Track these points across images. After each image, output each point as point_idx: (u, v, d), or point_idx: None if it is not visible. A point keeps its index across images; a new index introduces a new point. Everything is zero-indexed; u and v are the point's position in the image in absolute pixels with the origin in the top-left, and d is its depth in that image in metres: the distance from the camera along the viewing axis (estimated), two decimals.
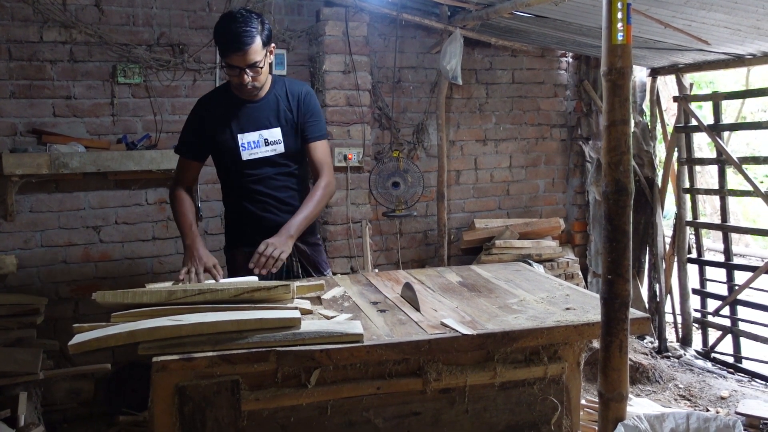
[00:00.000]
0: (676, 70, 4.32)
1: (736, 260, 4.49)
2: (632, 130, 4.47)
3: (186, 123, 2.63)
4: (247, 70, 2.39)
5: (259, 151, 2.57)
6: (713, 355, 4.31)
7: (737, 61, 3.92)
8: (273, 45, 2.51)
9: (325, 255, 2.86)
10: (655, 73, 4.49)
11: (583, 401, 2.94)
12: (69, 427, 3.43)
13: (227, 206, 2.75)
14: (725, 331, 4.29)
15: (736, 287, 4.21)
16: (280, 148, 2.57)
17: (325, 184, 2.58)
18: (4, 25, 3.33)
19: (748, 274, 4.13)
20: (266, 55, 2.44)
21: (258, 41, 2.38)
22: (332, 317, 1.99)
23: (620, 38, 1.63)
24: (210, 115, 2.56)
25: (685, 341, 4.48)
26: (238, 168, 2.58)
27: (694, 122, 4.30)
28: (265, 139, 2.56)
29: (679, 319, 4.58)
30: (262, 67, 2.43)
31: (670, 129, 4.55)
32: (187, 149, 2.62)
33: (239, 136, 2.54)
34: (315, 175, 2.62)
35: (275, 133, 2.56)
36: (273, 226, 2.50)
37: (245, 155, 2.55)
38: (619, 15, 1.61)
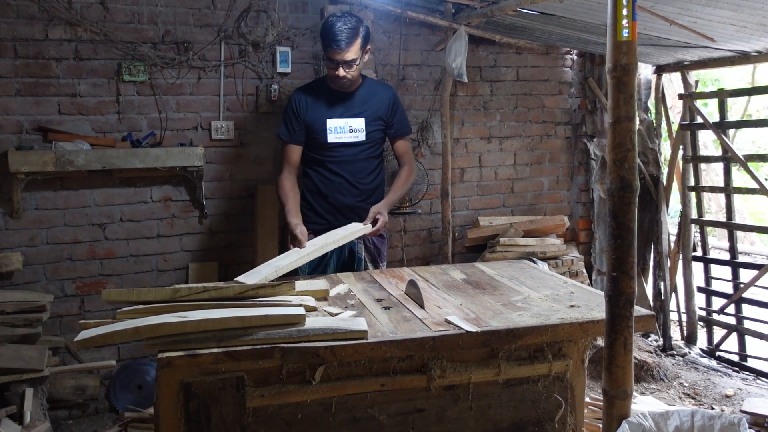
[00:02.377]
0: (682, 67, 4.31)
1: (741, 258, 4.48)
2: (637, 127, 4.48)
3: (286, 112, 3.01)
4: (343, 65, 2.81)
5: (343, 136, 2.95)
6: (718, 353, 4.29)
7: (743, 58, 3.91)
8: (370, 47, 2.96)
9: (386, 248, 3.21)
10: (660, 70, 4.47)
11: (587, 399, 2.94)
12: (74, 423, 3.45)
13: (305, 192, 3.07)
14: (730, 329, 4.27)
15: (742, 285, 4.19)
16: (362, 137, 2.97)
17: (408, 169, 3.12)
18: (10, 23, 3.34)
19: (754, 272, 4.12)
20: (362, 55, 2.89)
21: (357, 43, 2.83)
22: (337, 314, 2.00)
23: (625, 35, 1.63)
24: (306, 101, 2.97)
25: (690, 339, 4.47)
26: (323, 149, 2.96)
27: (699, 120, 4.29)
28: (350, 127, 2.95)
29: (684, 317, 4.56)
30: (357, 65, 2.88)
31: (675, 126, 4.54)
32: (293, 136, 2.98)
33: (328, 120, 2.94)
34: (401, 164, 3.16)
35: (359, 123, 2.96)
36: (339, 206, 2.99)
37: (331, 138, 2.94)
38: (624, 12, 1.61)
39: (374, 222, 2.87)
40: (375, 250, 3.10)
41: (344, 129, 2.95)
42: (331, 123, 2.94)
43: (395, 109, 3.10)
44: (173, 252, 3.77)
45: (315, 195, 3.04)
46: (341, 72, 2.85)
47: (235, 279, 2.40)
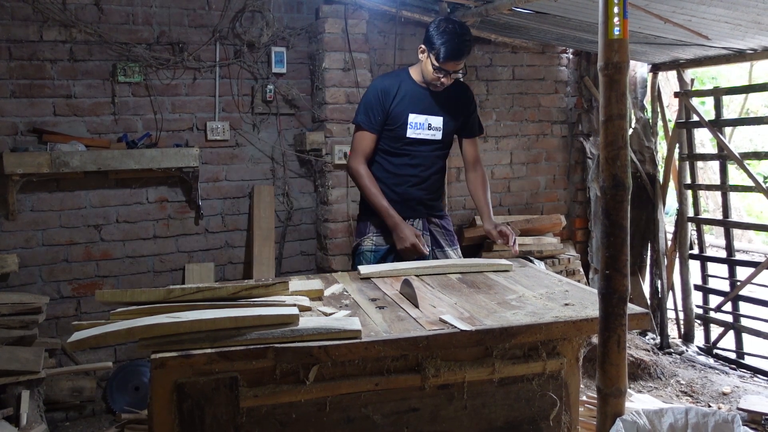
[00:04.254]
0: (677, 65, 4.31)
1: (738, 256, 4.47)
2: (633, 126, 4.49)
3: (368, 101, 2.91)
4: (453, 74, 2.81)
5: (422, 133, 2.93)
6: (715, 351, 4.30)
7: (738, 56, 3.91)
8: None
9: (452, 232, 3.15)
10: (656, 68, 4.47)
11: (584, 397, 2.93)
12: (71, 425, 3.44)
13: (378, 180, 2.95)
14: (727, 327, 4.28)
15: (738, 283, 4.20)
16: (438, 135, 2.95)
17: (483, 173, 3.11)
18: (4, 24, 3.33)
19: (751, 270, 4.12)
20: None
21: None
22: (331, 314, 1.99)
23: (617, 33, 1.62)
24: (393, 92, 2.89)
25: (687, 337, 4.48)
26: (399, 142, 2.92)
27: (695, 118, 4.29)
28: (429, 124, 2.93)
29: (681, 315, 4.57)
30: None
31: (671, 125, 4.54)
32: (373, 125, 2.89)
33: (410, 115, 2.89)
34: (473, 165, 3.09)
35: (438, 121, 2.94)
36: (408, 198, 2.93)
37: (410, 133, 2.91)
38: (615, 9, 1.60)
39: (502, 237, 2.91)
40: (444, 232, 3.05)
41: (424, 125, 2.91)
42: (413, 118, 2.89)
43: (473, 109, 3.05)
44: (169, 253, 3.76)
45: (382, 183, 2.93)
46: (448, 81, 2.83)
47: (359, 267, 2.58)
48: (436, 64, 2.76)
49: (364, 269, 2.54)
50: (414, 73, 2.94)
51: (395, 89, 2.88)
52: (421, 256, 2.80)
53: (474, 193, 3.10)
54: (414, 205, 2.96)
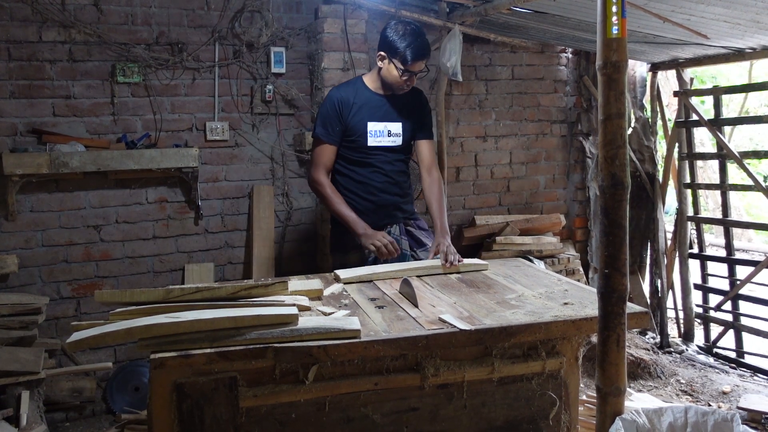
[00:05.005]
0: (677, 64, 4.31)
1: (738, 255, 4.47)
2: (633, 125, 4.49)
3: (325, 113, 2.91)
4: (417, 75, 2.81)
5: (383, 140, 2.93)
6: (715, 350, 4.30)
7: (737, 55, 3.91)
8: None
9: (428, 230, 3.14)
10: (655, 68, 4.47)
11: (583, 396, 2.94)
12: (71, 425, 3.44)
13: (344, 191, 2.96)
14: (727, 326, 4.28)
15: (738, 282, 4.20)
16: (399, 141, 2.96)
17: (440, 179, 3.05)
18: (3, 25, 3.33)
19: (750, 269, 4.12)
20: None
21: None
22: (330, 314, 2.00)
23: (615, 32, 1.62)
24: (348, 103, 2.89)
25: (687, 336, 4.48)
26: (363, 152, 2.92)
27: (694, 117, 4.29)
28: (389, 131, 2.93)
29: (681, 314, 4.57)
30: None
31: (671, 124, 4.54)
32: (331, 136, 2.90)
33: (369, 124, 2.89)
34: (428, 170, 3.03)
35: (397, 127, 2.94)
36: (386, 206, 2.94)
37: (371, 141, 2.90)
38: (614, 8, 1.60)
39: (444, 256, 2.70)
40: (423, 232, 3.06)
41: (383, 133, 2.91)
42: (372, 126, 2.89)
43: (427, 111, 3.05)
44: (169, 253, 3.76)
45: (354, 194, 2.94)
46: (413, 82, 2.84)
47: (335, 271, 2.56)
48: (402, 67, 2.75)
49: (343, 273, 2.50)
50: (369, 81, 2.93)
51: (352, 99, 2.88)
52: (396, 255, 2.79)
53: (428, 201, 3.01)
54: (391, 211, 2.97)
